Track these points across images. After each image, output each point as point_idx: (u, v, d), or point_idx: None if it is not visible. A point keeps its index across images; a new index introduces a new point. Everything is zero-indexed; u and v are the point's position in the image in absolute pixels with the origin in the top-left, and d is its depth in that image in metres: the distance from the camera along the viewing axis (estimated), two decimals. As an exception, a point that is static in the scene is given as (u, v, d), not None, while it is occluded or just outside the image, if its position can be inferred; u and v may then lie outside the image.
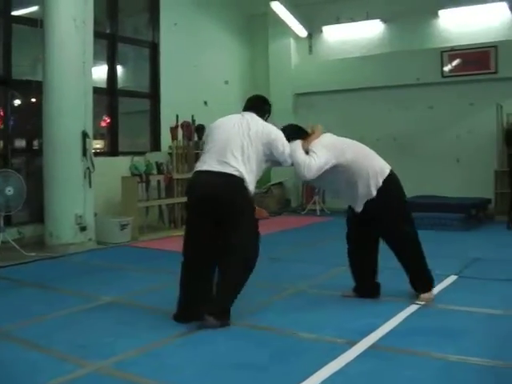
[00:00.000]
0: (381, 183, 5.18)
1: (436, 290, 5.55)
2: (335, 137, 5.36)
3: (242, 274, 4.80)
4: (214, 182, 4.74)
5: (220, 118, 5.11)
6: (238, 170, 4.72)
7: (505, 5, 11.41)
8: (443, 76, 12.16)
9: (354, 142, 5.44)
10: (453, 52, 12.01)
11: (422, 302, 5.29)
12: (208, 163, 4.83)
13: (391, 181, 5.29)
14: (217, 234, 4.83)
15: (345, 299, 5.47)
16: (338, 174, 5.18)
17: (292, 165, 5.06)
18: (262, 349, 4.23)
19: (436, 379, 3.61)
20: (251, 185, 4.81)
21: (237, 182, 4.74)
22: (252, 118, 4.97)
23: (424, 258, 5.38)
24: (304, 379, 3.57)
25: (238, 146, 4.77)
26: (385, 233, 5.38)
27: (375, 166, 5.26)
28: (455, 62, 12.01)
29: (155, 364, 3.94)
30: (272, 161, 5.06)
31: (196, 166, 5.02)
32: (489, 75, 11.65)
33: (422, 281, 5.43)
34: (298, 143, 5.09)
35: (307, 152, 5.09)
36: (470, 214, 10.25)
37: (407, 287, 5.46)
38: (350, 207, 5.45)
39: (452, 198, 10.87)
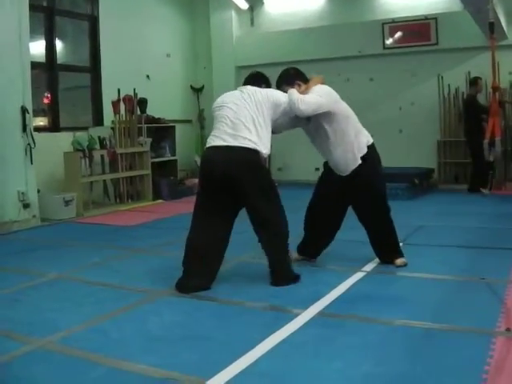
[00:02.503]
0: (366, 150, 5.27)
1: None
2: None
3: (281, 248, 5.04)
4: (228, 157, 4.82)
5: (221, 96, 5.26)
6: (252, 142, 4.83)
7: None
8: (385, 48, 12.22)
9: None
10: (394, 24, 12.06)
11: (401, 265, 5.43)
12: (220, 137, 4.91)
13: (375, 151, 5.41)
14: (229, 214, 4.99)
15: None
16: (328, 126, 5.23)
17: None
18: (208, 320, 4.24)
19: (380, 344, 3.66)
20: (265, 149, 4.91)
21: (252, 155, 4.83)
22: (250, 89, 5.12)
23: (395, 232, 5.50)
24: (251, 348, 3.57)
25: (248, 117, 4.89)
26: (363, 203, 5.42)
27: (363, 130, 5.42)
28: (396, 34, 12.07)
29: (101, 338, 3.90)
30: (284, 115, 5.15)
31: (207, 142, 5.07)
32: (429, 47, 11.75)
33: (395, 251, 5.52)
34: (293, 90, 5.17)
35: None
36: (413, 184, 10.39)
37: (350, 256, 5.51)
38: (326, 164, 5.50)
39: (396, 168, 10.93)
